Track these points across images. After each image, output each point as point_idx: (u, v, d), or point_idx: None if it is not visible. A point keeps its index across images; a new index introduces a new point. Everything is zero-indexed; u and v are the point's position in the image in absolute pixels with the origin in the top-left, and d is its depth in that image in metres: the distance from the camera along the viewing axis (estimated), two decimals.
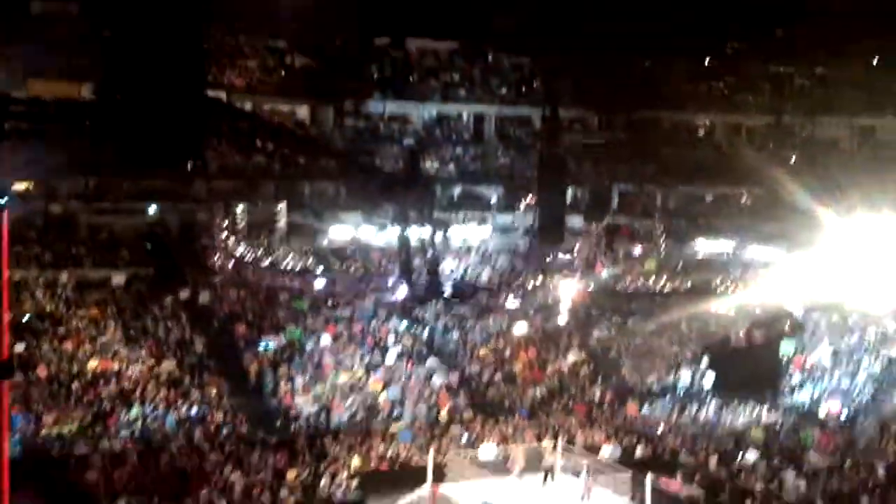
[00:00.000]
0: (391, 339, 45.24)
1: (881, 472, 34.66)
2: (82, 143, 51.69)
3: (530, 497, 33.58)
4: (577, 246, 53.23)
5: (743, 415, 41.74)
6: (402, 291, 44.38)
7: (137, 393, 38.11)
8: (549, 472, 35.15)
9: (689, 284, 46.39)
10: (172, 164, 51.77)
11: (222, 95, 56.91)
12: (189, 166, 52.60)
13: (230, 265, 47.14)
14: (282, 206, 51.87)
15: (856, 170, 52.53)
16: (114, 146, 50.85)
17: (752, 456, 36.59)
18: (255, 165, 54.86)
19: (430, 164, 58.04)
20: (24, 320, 40.30)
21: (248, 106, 59.08)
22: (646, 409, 43.03)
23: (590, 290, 45.70)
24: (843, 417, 41.09)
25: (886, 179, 50.78)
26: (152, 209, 50.57)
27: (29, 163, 50.11)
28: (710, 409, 42.59)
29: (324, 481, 33.58)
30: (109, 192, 51.74)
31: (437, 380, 42.89)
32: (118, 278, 45.26)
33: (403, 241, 48.33)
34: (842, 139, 63.88)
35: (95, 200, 51.35)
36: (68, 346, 40.17)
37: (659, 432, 40.76)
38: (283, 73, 60.91)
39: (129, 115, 51.68)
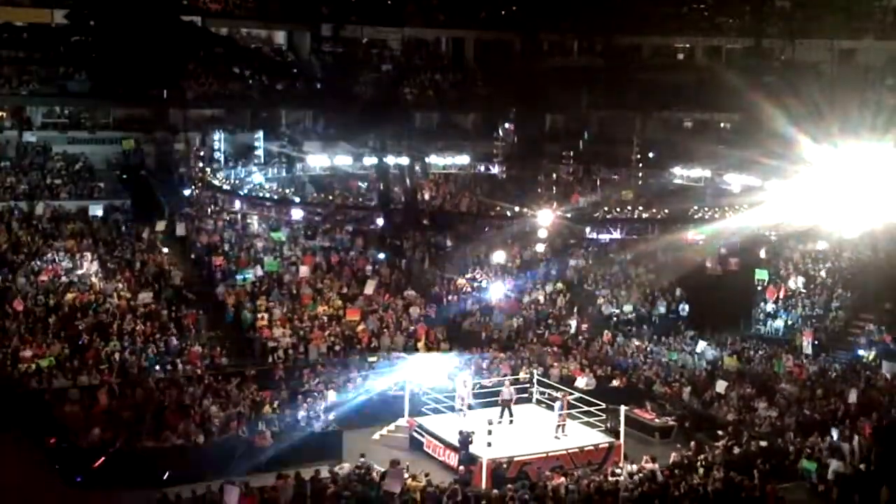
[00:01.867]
0: (369, 269, 45.27)
1: (852, 401, 34.97)
2: (56, 70, 51.49)
3: (506, 429, 33.87)
4: (555, 173, 53.28)
5: (716, 344, 41.99)
6: (380, 221, 44.46)
7: (115, 326, 38.10)
8: (506, 406, 35.27)
9: (666, 212, 46.28)
10: (148, 91, 51.83)
11: (197, 20, 56.42)
12: (164, 93, 52.52)
13: (207, 195, 46.98)
14: (259, 135, 51.61)
15: (835, 94, 52.38)
16: (88, 73, 50.95)
17: (724, 386, 36.89)
18: (232, 92, 54.57)
19: (408, 91, 57.89)
20: None
21: (224, 31, 58.62)
22: (620, 339, 43.24)
23: (567, 217, 45.57)
24: (815, 346, 41.33)
25: (866, 103, 50.84)
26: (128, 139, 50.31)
27: (1, 90, 49.92)
28: (684, 339, 42.82)
29: (301, 413, 33.77)
30: (84, 121, 51.55)
31: (415, 311, 43.04)
32: (95, 209, 45.07)
33: (382, 170, 48.41)
34: (822, 62, 63.75)
35: (70, 129, 51.14)
36: (45, 278, 40.07)
37: (633, 363, 41.09)
38: None
39: (103, 42, 51.56)
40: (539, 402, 36.47)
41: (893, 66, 62.37)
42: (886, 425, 32.20)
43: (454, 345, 41.32)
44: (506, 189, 52.96)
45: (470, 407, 34.46)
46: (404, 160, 48.69)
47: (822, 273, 46.35)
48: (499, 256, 47.30)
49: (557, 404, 33.97)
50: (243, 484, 26.77)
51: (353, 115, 53.75)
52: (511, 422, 34.50)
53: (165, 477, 29.12)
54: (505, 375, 37.61)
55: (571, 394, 34.78)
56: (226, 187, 46.60)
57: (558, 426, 33.57)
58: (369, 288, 43.04)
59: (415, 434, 34.48)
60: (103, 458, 29.75)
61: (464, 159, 54.75)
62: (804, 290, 45.58)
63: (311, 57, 59.35)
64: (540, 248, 45.40)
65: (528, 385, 37.14)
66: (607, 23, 61.58)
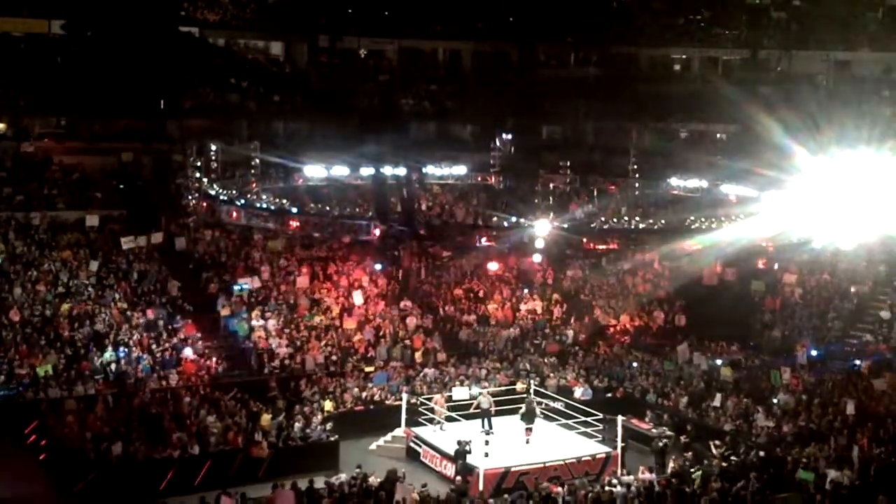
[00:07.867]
0: (365, 279, 45.23)
1: (849, 411, 34.95)
2: (53, 81, 51.42)
3: (503, 440, 33.90)
4: (552, 184, 53.19)
5: (713, 354, 41.96)
6: (377, 231, 44.28)
7: (111, 336, 38.03)
8: (486, 416, 35.28)
9: (662, 223, 46.24)
10: (145, 102, 51.81)
11: (195, 31, 56.43)
12: (162, 104, 52.52)
13: (204, 206, 46.85)
14: (256, 145, 51.53)
15: (831, 105, 52.43)
16: (85, 84, 50.90)
17: (721, 398, 36.91)
18: (229, 103, 54.59)
19: (405, 102, 57.93)
20: None
21: (221, 42, 58.66)
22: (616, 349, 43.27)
23: (564, 228, 45.52)
24: (812, 357, 41.33)
25: (862, 114, 50.82)
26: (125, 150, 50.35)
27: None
28: (681, 349, 42.78)
29: (298, 424, 33.76)
30: (82, 132, 51.53)
31: (412, 321, 42.99)
32: (91, 219, 44.99)
33: (379, 180, 48.32)
34: (818, 73, 63.90)
35: (68, 140, 51.12)
36: (41, 288, 39.99)
37: (630, 373, 41.10)
38: (256, 7, 60.21)
39: (101, 53, 51.59)
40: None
41: (889, 76, 62.51)
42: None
43: (451, 355, 41.35)
44: (503, 199, 52.89)
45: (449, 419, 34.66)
46: (401, 170, 48.57)
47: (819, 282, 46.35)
48: (495, 267, 47.21)
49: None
50: (240, 495, 26.77)
51: (351, 125, 53.76)
52: (490, 432, 34.47)
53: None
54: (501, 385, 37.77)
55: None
56: (223, 197, 46.44)
57: (527, 440, 33.70)
58: (358, 298, 43.04)
59: (412, 444, 34.54)
60: (99, 470, 29.73)
61: (461, 170, 54.67)
62: (800, 301, 45.58)
63: (308, 68, 59.41)
64: (537, 258, 45.28)
65: (524, 395, 37.20)
66: (604, 34, 61.77)
